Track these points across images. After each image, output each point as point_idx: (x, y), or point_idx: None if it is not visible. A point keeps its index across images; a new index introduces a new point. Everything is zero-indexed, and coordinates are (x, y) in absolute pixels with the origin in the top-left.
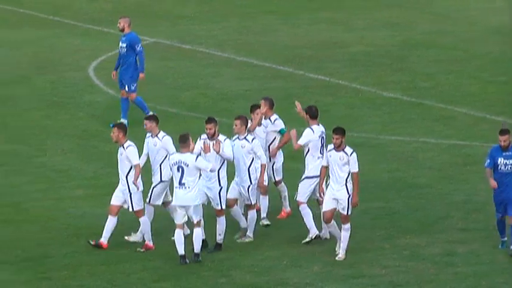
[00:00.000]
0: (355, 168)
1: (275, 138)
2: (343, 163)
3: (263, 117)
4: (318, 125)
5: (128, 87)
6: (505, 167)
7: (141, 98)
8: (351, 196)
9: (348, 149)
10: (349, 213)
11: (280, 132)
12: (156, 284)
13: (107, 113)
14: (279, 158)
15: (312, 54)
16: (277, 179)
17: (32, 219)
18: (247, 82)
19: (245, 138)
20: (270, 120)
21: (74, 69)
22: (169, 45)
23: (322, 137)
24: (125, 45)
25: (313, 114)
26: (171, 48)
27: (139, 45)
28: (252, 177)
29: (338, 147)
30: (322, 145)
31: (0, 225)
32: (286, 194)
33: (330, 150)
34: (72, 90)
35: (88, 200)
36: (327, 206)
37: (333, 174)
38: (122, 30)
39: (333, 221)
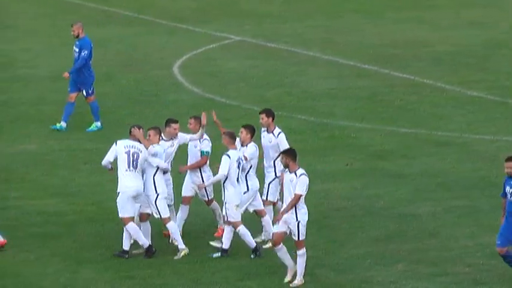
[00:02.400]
0: (298, 191)
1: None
2: (293, 185)
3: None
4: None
5: (85, 91)
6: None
7: (97, 103)
8: (300, 222)
9: (299, 171)
10: (301, 238)
11: (201, 153)
12: (241, 282)
13: (191, 111)
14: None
15: (397, 53)
16: (209, 198)
17: (115, 217)
18: (332, 81)
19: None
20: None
21: (159, 68)
22: (255, 44)
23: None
24: (77, 49)
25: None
26: (257, 47)
27: (86, 52)
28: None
29: (288, 168)
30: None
31: (84, 224)
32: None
33: (285, 171)
34: (156, 88)
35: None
36: (277, 227)
37: (284, 196)
38: (77, 36)
39: (281, 245)
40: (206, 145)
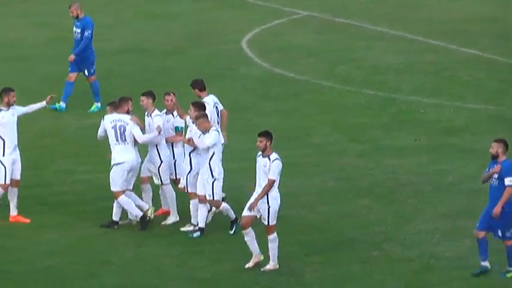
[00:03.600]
0: (271, 176)
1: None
2: (266, 170)
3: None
4: None
5: (87, 71)
6: None
7: (98, 83)
8: (271, 207)
9: (273, 155)
10: (271, 223)
11: (176, 129)
12: (309, 258)
13: (260, 86)
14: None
15: (465, 28)
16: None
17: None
18: (400, 56)
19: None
20: (173, 115)
21: (228, 42)
22: (323, 19)
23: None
24: (79, 30)
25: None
26: (325, 21)
27: (89, 32)
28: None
29: (263, 152)
30: None
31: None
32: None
33: (258, 155)
34: (226, 62)
35: (242, 173)
36: (246, 210)
37: (257, 180)
38: (77, 17)
39: (249, 229)
40: (180, 121)
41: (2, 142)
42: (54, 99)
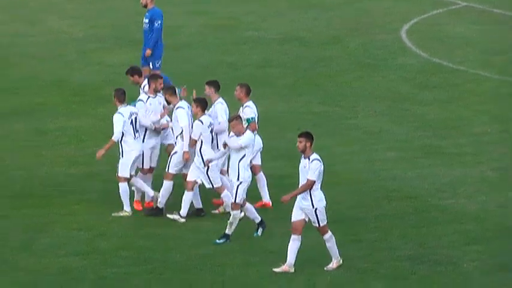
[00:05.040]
0: (310, 176)
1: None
2: (305, 171)
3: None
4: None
5: (152, 64)
6: None
7: (167, 76)
8: (317, 209)
9: (313, 156)
10: (321, 224)
11: (247, 121)
12: (467, 247)
13: (419, 76)
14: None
15: None
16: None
17: (343, 181)
18: None
19: None
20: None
21: (386, 32)
22: (481, 10)
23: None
24: (147, 20)
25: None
26: (483, 12)
27: (159, 22)
28: None
29: (303, 153)
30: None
31: None
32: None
33: (301, 156)
34: (384, 52)
35: (399, 163)
36: (294, 215)
37: (300, 181)
38: (145, 6)
39: (299, 236)
40: (250, 112)
41: (144, 128)
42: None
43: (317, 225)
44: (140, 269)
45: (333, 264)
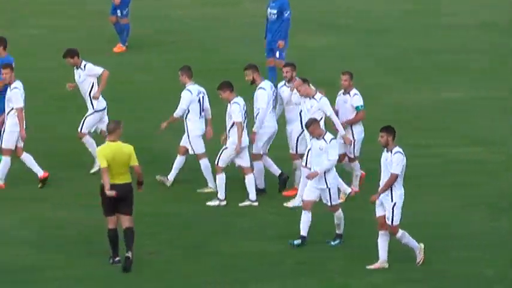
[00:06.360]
0: (394, 170)
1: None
2: (389, 164)
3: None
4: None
5: (279, 54)
6: None
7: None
8: (396, 204)
9: (395, 149)
10: (395, 224)
11: (356, 108)
12: None
13: None
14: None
15: None
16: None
17: None
18: None
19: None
20: (349, 95)
21: None
22: None
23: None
24: (275, 11)
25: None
26: None
27: (288, 12)
28: None
29: (386, 147)
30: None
31: (506, 173)
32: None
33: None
34: None
35: None
36: (377, 211)
37: (382, 176)
38: None
39: (386, 231)
40: (358, 100)
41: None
42: None
43: (390, 222)
44: (339, 254)
45: (419, 258)
